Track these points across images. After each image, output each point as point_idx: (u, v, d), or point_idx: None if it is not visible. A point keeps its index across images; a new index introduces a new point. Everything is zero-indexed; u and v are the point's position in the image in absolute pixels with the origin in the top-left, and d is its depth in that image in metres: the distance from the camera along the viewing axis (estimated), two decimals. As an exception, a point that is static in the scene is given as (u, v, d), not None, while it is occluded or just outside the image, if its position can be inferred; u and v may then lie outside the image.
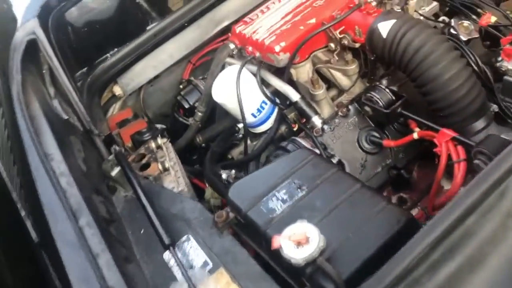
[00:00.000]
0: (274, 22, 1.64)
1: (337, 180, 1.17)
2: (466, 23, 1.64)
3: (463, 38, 1.61)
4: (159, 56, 1.94)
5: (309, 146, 1.50)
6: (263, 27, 1.64)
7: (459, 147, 1.27)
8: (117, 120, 1.77)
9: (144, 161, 1.54)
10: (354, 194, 1.12)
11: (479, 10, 1.65)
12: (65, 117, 1.40)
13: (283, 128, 1.72)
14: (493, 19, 1.58)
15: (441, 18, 1.76)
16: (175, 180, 1.46)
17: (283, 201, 1.14)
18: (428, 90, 1.37)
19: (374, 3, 1.58)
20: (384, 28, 1.44)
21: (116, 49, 1.85)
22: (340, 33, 1.56)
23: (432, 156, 1.45)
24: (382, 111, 1.44)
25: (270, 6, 1.73)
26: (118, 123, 1.76)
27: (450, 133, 1.29)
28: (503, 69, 1.46)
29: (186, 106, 1.97)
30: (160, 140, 1.61)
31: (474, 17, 1.62)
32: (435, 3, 1.78)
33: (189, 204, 1.29)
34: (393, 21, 1.43)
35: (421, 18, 1.71)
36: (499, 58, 1.51)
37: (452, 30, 1.62)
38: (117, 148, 1.50)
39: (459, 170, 1.24)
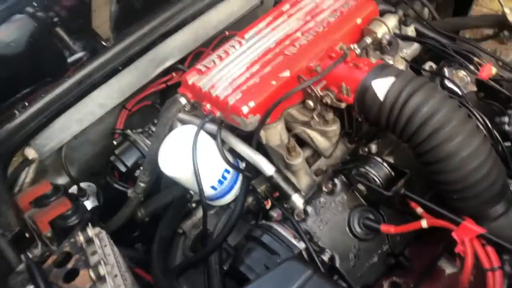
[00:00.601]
0: (237, 73, 1.30)
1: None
2: (461, 73, 1.41)
3: (459, 92, 1.38)
4: (86, 107, 1.53)
5: (290, 236, 1.18)
6: (223, 79, 1.29)
7: (489, 249, 1.01)
8: (30, 198, 1.34)
9: (69, 265, 1.14)
10: None
11: (475, 58, 1.42)
12: None
13: (249, 200, 1.38)
14: (494, 70, 1.36)
15: (427, 65, 1.52)
16: (114, 291, 1.08)
17: None
18: (440, 169, 1.10)
19: (357, 51, 1.30)
20: (380, 88, 1.15)
21: (26, 103, 1.41)
22: (321, 89, 1.25)
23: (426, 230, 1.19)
24: (383, 194, 1.15)
25: (229, 50, 1.38)
26: (33, 202, 1.34)
27: (476, 228, 1.03)
28: (516, 136, 1.23)
29: (123, 169, 1.58)
30: (91, 231, 1.21)
31: (471, 67, 1.38)
32: (416, 45, 1.52)
33: None
34: (391, 80, 1.14)
35: (405, 64, 1.46)
36: (506, 119, 1.29)
37: (448, 83, 1.38)
38: (29, 256, 1.10)
39: (495, 281, 0.97)
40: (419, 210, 1.19)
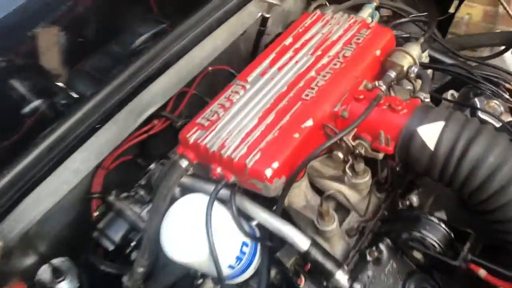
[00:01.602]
0: (249, 126, 1.08)
1: None
2: (493, 103, 1.26)
3: (495, 124, 1.22)
4: (59, 177, 1.25)
5: (339, 323, 0.97)
6: (234, 135, 1.07)
7: None
8: (1, 306, 1.05)
9: None
10: None
11: (502, 83, 1.27)
12: None
13: (272, 274, 1.16)
14: (529, 97, 1.22)
15: (449, 93, 1.37)
16: None
17: None
18: (510, 229, 0.93)
19: (383, 88, 1.12)
20: (428, 134, 0.97)
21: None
22: (351, 138, 1.06)
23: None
24: (450, 264, 0.96)
25: (232, 97, 1.16)
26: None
27: None
28: None
29: (110, 247, 1.31)
30: None
31: (505, 95, 1.23)
32: (429, 71, 1.37)
33: None
34: (441, 125, 0.97)
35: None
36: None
37: (482, 115, 1.22)
38: None
39: None
40: (482, 272, 1.01)
